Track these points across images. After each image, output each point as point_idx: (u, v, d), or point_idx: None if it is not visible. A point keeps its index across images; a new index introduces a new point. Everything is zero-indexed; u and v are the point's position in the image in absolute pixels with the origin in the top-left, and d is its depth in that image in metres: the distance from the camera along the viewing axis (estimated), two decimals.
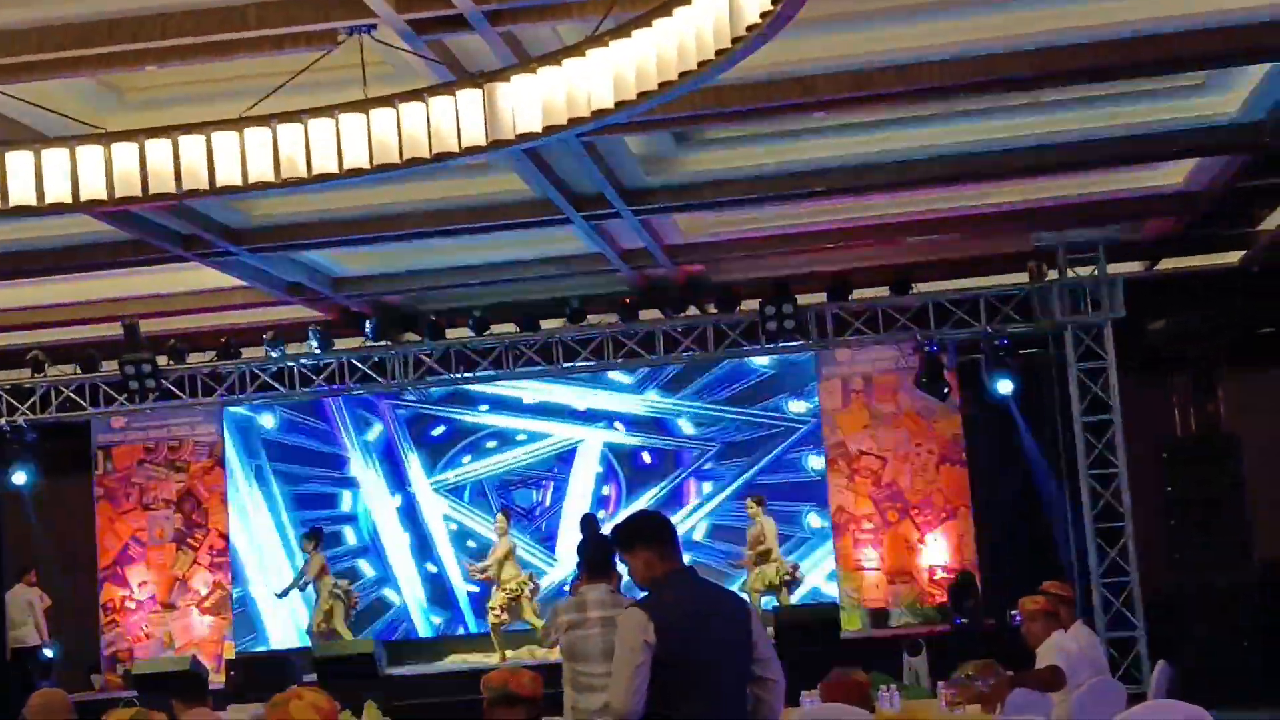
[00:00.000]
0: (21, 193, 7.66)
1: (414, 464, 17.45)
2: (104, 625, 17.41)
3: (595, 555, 7.97)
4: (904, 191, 13.32)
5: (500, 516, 16.02)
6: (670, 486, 17.17)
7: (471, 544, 16.98)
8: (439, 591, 17.31)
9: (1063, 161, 12.64)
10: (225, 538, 17.44)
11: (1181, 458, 15.44)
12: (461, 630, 17.04)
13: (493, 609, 15.53)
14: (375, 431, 17.56)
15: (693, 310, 15.52)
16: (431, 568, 17.32)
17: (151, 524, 17.52)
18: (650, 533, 5.76)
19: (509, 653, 15.16)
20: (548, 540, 17.13)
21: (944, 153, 12.41)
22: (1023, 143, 12.35)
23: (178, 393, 15.74)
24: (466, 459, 17.38)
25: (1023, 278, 15.07)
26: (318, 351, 15.61)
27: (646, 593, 5.45)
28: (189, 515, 17.51)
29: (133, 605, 17.47)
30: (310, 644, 15.62)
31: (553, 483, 17.27)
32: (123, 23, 8.48)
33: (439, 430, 17.44)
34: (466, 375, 15.68)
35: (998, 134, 12.21)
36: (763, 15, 6.45)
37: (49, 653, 16.66)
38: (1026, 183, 13.48)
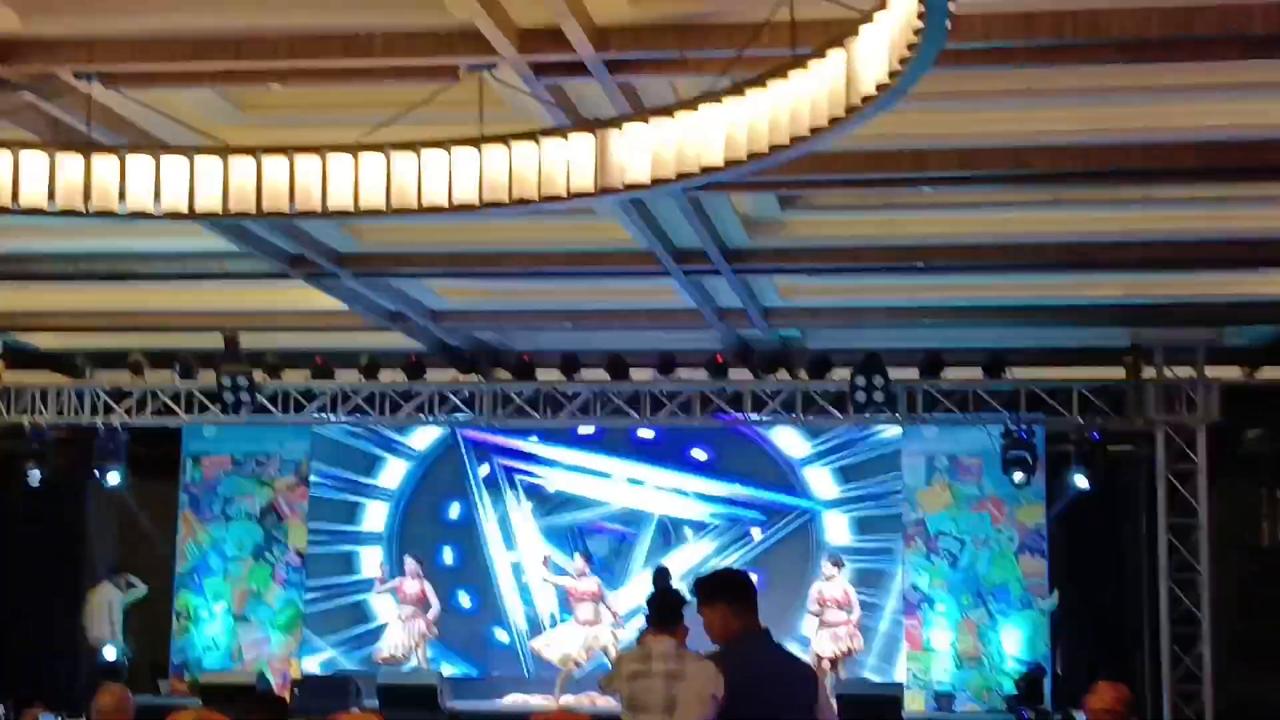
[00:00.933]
0: (139, 198, 7.89)
1: (512, 501, 17.24)
2: (175, 632, 17.46)
3: (664, 608, 8.20)
4: (1005, 274, 13.28)
5: (579, 557, 16.03)
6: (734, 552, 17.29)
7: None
8: (531, 627, 17.01)
9: (1168, 259, 12.53)
10: (301, 555, 17.51)
11: (1267, 567, 15.42)
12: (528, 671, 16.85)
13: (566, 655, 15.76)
14: (484, 469, 17.41)
15: (783, 374, 15.60)
16: (520, 605, 17.17)
17: (232, 535, 17.61)
18: (733, 590, 5.76)
19: (568, 698, 14.98)
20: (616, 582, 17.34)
21: (1049, 239, 12.37)
22: (1129, 237, 12.25)
23: (270, 408, 15.96)
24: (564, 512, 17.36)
25: (1119, 372, 14.93)
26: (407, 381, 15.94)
27: (718, 649, 5.50)
28: (270, 530, 17.61)
29: (206, 615, 17.49)
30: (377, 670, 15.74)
31: (622, 538, 17.16)
32: (251, 40, 8.65)
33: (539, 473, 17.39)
34: (553, 418, 15.75)
35: (1105, 225, 12.14)
36: (879, 87, 6.47)
37: (111, 654, 16.57)
38: (1130, 277, 13.37)
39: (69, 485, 17.24)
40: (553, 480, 17.42)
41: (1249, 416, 15.74)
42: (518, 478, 17.52)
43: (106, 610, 16.76)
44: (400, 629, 16.19)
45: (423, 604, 16.17)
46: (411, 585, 16.25)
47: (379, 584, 16.73)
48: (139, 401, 16.14)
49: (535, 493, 17.47)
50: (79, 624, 17.02)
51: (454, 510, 17.53)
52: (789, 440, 17.07)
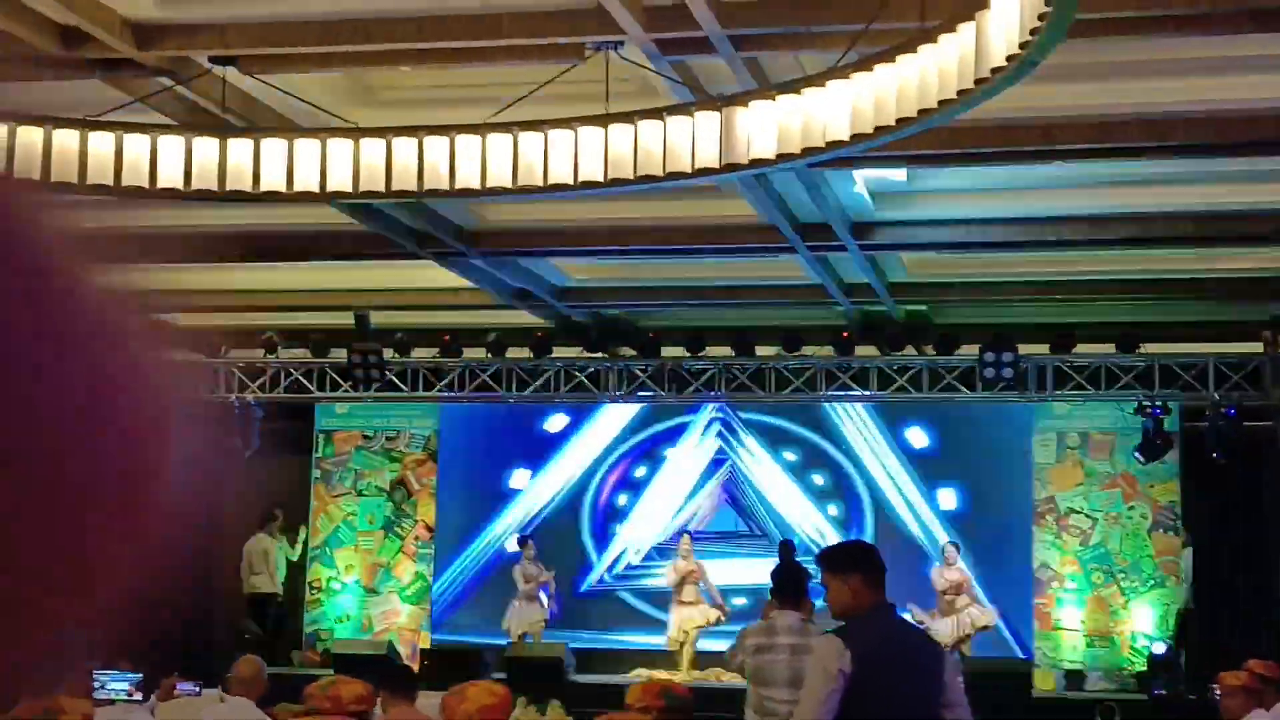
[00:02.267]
0: (272, 179, 8.00)
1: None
2: (308, 604, 17.81)
3: (789, 581, 8.02)
4: (1139, 248, 13.14)
5: (685, 539, 15.95)
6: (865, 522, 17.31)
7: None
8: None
9: None
10: (431, 530, 17.74)
11: None
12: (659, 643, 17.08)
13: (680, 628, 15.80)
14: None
15: (910, 350, 15.51)
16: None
17: (363, 509, 17.93)
18: (866, 561, 5.84)
19: (695, 673, 14.99)
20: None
21: (1184, 212, 12.24)
22: (1264, 208, 12.08)
23: (400, 384, 16.16)
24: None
25: (1256, 347, 14.75)
26: (534, 358, 15.99)
27: (844, 624, 5.49)
28: (399, 504, 17.87)
29: (338, 587, 17.85)
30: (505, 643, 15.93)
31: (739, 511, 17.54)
32: (380, 23, 8.81)
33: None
34: (677, 394, 15.82)
35: (1243, 197, 11.98)
36: (1009, 59, 6.41)
37: (269, 586, 16.63)
38: (1266, 250, 13.18)
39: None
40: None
41: None
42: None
43: (264, 559, 16.91)
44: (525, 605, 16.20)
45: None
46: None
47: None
48: (272, 378, 16.41)
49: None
50: (216, 595, 17.16)
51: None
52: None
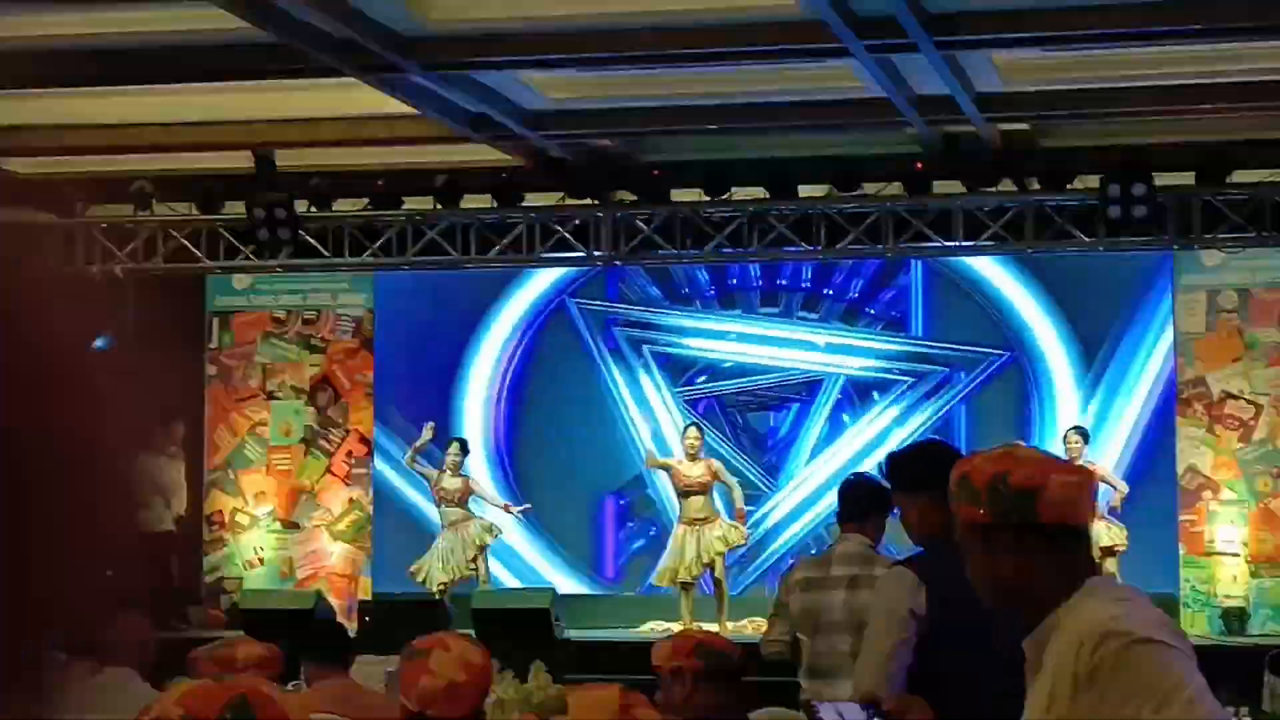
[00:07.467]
0: None
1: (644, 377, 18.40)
2: (206, 544, 18.23)
3: (853, 497, 8.12)
4: None
5: (692, 431, 16.14)
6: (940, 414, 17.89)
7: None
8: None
9: None
10: (368, 443, 18.26)
11: None
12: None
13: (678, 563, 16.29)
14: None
15: (1008, 184, 15.87)
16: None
17: (276, 418, 18.36)
18: (941, 471, 5.78)
19: (731, 624, 15.40)
20: (773, 471, 17.79)
21: None
22: None
23: (320, 248, 16.60)
24: (702, 378, 18.19)
25: None
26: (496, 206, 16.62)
27: (920, 550, 5.70)
28: (324, 410, 18.28)
29: (245, 521, 18.29)
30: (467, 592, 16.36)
31: (795, 407, 18.13)
32: None
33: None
34: (695, 251, 16.36)
35: None
36: None
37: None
38: None
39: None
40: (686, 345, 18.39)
41: None
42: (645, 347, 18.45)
43: (154, 487, 17.30)
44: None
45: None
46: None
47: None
48: (147, 243, 16.85)
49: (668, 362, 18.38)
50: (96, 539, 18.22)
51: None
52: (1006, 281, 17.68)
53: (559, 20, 13.16)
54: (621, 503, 18.12)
